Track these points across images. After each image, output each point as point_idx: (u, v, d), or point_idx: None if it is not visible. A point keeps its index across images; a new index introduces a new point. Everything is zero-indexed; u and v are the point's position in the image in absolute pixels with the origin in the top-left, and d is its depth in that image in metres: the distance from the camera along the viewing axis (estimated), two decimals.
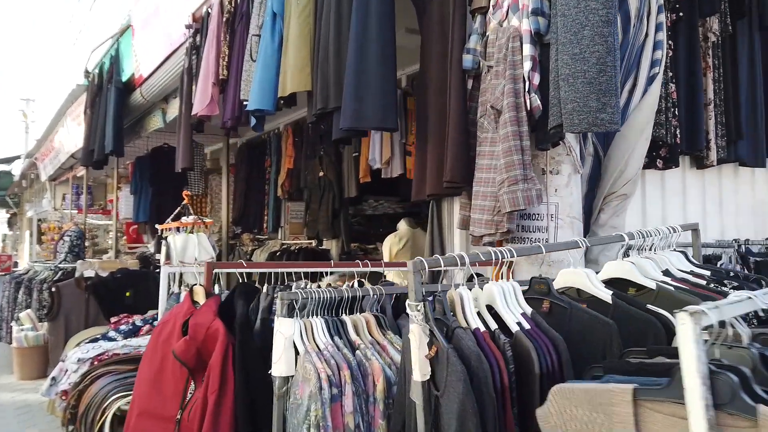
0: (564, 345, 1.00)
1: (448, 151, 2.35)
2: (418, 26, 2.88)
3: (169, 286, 3.58)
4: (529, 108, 2.03)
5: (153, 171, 8.96)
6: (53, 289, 4.05)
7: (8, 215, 29.55)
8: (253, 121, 3.84)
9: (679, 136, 3.16)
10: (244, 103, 3.87)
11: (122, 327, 3.86)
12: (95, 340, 3.71)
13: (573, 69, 1.84)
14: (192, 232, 4.86)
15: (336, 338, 1.36)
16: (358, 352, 1.34)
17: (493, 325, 1.02)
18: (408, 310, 0.99)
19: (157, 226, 4.96)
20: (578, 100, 1.83)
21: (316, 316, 1.40)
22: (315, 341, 1.34)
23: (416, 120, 2.80)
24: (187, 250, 4.77)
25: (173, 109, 6.61)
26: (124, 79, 7.16)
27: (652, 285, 1.33)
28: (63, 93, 9.99)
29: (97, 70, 8.06)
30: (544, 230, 2.21)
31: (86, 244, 8.84)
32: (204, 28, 4.99)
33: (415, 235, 3.97)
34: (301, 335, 1.33)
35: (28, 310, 5.73)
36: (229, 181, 5.30)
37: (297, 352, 1.33)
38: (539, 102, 2.01)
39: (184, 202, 5.09)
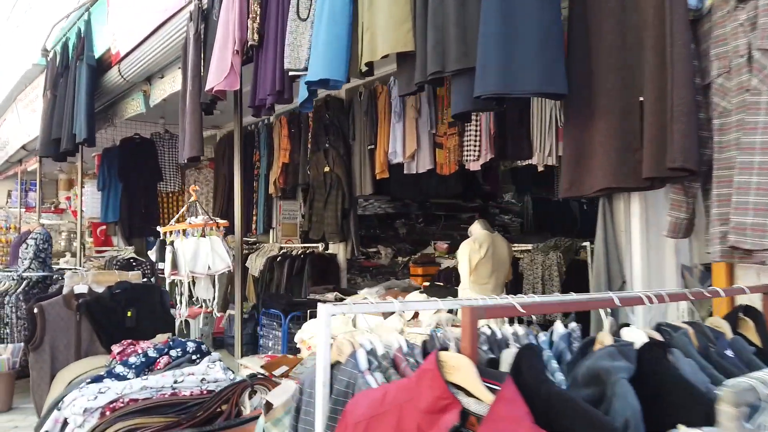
0: None
1: (674, 126, 1.64)
2: None
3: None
4: None
5: (122, 165, 7.91)
6: (35, 310, 3.12)
7: None
8: (303, 95, 3.03)
9: None
10: (291, 73, 3.07)
11: (131, 360, 2.97)
12: (98, 379, 2.82)
13: None
14: (203, 235, 4.00)
15: None
16: None
17: None
18: None
19: (159, 228, 4.06)
20: None
21: None
22: None
23: (573, 85, 2.08)
24: (199, 257, 3.92)
25: (158, 91, 5.67)
26: (96, 55, 6.14)
27: None
28: (12, 77, 8.75)
29: (59, 47, 6.98)
30: None
31: None
32: None
33: (495, 241, 3.26)
34: None
35: None
36: (242, 173, 4.44)
37: None
38: None
39: (192, 198, 4.20)
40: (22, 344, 4.79)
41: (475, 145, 4.78)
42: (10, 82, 8.70)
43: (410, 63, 2.42)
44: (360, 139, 6.04)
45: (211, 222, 4.05)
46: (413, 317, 3.45)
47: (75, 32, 6.53)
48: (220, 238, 4.04)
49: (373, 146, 5.80)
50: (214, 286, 4.07)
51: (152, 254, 4.07)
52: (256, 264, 6.87)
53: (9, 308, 4.93)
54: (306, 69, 2.96)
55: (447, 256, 7.29)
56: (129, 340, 3.27)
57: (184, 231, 4.09)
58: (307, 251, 6.43)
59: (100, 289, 3.43)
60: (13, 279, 5.16)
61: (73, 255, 10.55)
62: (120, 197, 7.80)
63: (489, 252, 3.15)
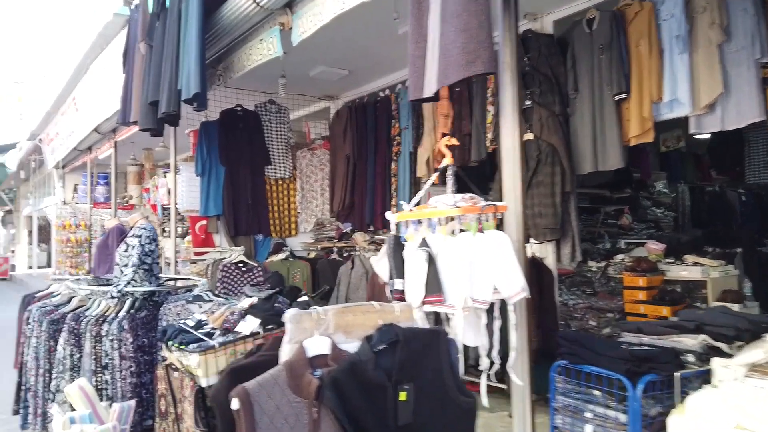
0: None
1: None
2: None
3: None
4: None
5: (223, 144, 6.20)
6: (236, 404, 1.28)
7: (1, 213, 26.47)
8: None
9: None
10: None
11: None
12: None
13: None
14: (481, 230, 2.14)
15: None
16: None
17: None
18: None
19: (389, 215, 2.24)
20: None
21: None
22: None
23: None
24: (476, 271, 2.05)
25: (308, 19, 3.86)
26: None
27: None
28: (85, 38, 7.15)
29: None
30: None
31: None
32: None
33: None
34: None
35: (80, 381, 2.98)
36: (520, 122, 2.56)
37: None
38: None
39: (446, 161, 2.33)
40: (134, 403, 3.05)
41: None
42: (83, 46, 7.11)
43: None
44: (591, 88, 4.12)
45: (489, 206, 2.18)
46: None
47: None
48: (506, 237, 2.17)
49: (624, 94, 3.88)
50: (490, 327, 2.20)
51: (378, 265, 2.22)
52: None
53: (109, 342, 3.21)
54: None
55: (669, 261, 5.25)
56: None
57: (429, 221, 2.24)
58: None
59: (350, 345, 1.58)
60: (111, 296, 3.43)
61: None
62: (222, 185, 6.10)
63: None
